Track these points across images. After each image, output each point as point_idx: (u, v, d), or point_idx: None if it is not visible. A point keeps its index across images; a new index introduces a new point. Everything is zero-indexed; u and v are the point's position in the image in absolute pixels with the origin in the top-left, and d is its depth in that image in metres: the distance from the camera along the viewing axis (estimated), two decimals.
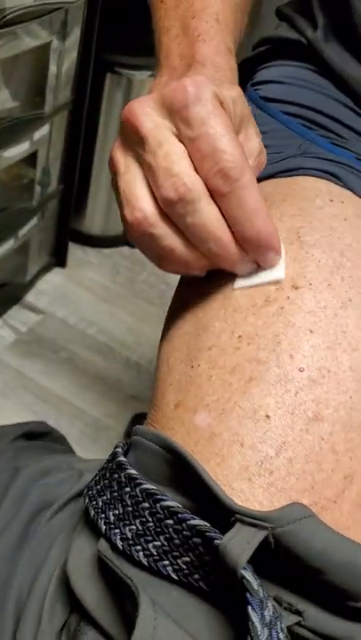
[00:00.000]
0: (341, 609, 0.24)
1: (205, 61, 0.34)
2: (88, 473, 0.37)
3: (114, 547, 0.27)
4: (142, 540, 0.26)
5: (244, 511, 0.24)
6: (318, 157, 0.38)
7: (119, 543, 0.27)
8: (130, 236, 0.32)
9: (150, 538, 0.26)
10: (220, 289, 0.33)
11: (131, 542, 0.27)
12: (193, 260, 0.31)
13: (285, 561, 0.24)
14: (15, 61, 0.96)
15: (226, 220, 0.30)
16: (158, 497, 0.26)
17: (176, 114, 0.30)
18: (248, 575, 0.23)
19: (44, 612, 0.29)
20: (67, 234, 1.37)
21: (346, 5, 0.43)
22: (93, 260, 1.48)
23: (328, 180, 0.36)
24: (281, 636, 0.22)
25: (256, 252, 0.31)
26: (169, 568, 0.26)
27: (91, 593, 0.27)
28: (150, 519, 0.26)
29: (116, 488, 0.28)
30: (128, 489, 0.28)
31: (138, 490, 0.27)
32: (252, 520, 0.24)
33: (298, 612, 0.24)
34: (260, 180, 0.38)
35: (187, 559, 0.25)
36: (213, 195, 0.30)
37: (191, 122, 0.30)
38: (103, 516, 0.28)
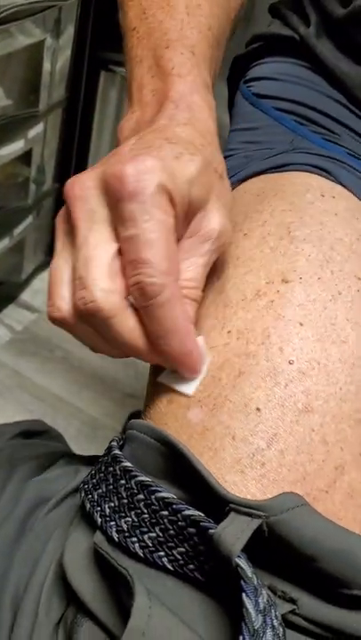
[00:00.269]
0: (334, 597, 0.25)
1: (179, 101, 0.32)
2: (84, 469, 0.38)
3: (109, 539, 0.27)
4: (138, 531, 0.27)
5: (238, 500, 0.25)
6: (310, 153, 0.38)
7: (115, 535, 0.27)
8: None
9: (146, 529, 0.26)
10: (212, 285, 0.33)
11: (126, 534, 0.27)
12: (116, 355, 0.31)
13: (279, 549, 0.25)
14: (9, 59, 0.96)
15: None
16: (153, 489, 0.26)
17: (112, 205, 0.28)
18: (242, 563, 0.23)
19: (40, 605, 0.29)
20: None
21: (339, 2, 0.43)
22: None
23: (319, 175, 0.36)
24: (275, 622, 0.23)
25: (172, 365, 0.30)
26: (164, 559, 0.26)
27: (87, 585, 0.27)
28: (145, 511, 0.27)
29: (111, 481, 0.29)
30: (123, 481, 0.28)
31: (133, 482, 0.27)
32: (246, 509, 0.24)
33: (292, 600, 0.25)
34: (251, 175, 0.38)
35: (182, 550, 0.26)
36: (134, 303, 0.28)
37: (123, 220, 0.27)
38: (99, 509, 0.28)
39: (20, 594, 0.31)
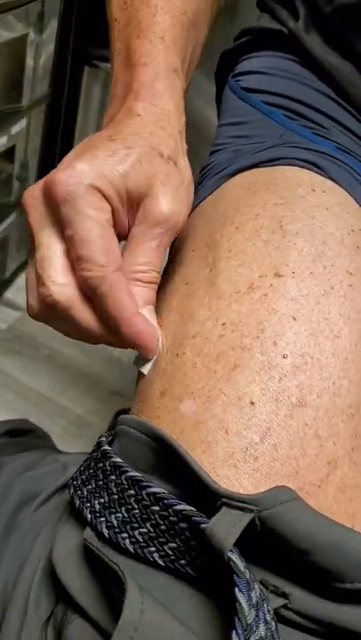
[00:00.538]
0: (327, 591, 0.25)
1: (139, 91, 0.34)
2: (72, 465, 0.37)
3: (100, 535, 0.27)
4: (128, 527, 0.26)
5: (230, 494, 0.24)
6: (300, 147, 0.38)
7: (105, 531, 0.27)
8: None
9: (136, 525, 0.26)
10: (205, 277, 0.33)
11: (117, 530, 0.27)
12: (88, 340, 0.33)
13: (271, 543, 0.24)
14: None
15: None
16: (144, 484, 0.26)
17: (52, 209, 0.31)
18: (235, 557, 0.23)
19: (29, 602, 0.29)
20: None
21: None
22: None
23: (310, 169, 0.36)
24: (268, 617, 0.23)
25: (133, 347, 0.32)
26: (155, 554, 0.26)
27: (77, 581, 0.27)
28: (136, 506, 0.26)
29: (101, 477, 0.28)
30: (113, 477, 0.27)
31: (123, 478, 0.27)
32: (238, 503, 0.24)
33: (284, 595, 0.25)
34: (242, 170, 0.38)
35: (173, 545, 0.25)
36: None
37: (62, 222, 0.30)
38: (89, 505, 0.28)
39: (8, 591, 0.30)
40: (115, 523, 0.27)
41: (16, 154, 1.11)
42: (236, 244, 0.33)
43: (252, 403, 0.28)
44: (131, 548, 0.26)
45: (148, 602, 0.23)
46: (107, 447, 0.29)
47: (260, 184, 0.36)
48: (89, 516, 0.28)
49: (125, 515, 0.27)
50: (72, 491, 0.30)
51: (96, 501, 0.28)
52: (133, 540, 0.26)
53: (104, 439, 0.30)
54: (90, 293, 0.31)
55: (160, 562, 0.26)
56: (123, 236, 0.33)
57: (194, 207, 0.39)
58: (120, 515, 0.27)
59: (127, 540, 0.26)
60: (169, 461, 0.27)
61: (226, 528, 0.23)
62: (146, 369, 0.33)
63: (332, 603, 0.25)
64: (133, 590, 0.23)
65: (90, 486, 0.29)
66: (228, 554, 0.23)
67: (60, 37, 1.07)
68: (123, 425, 0.30)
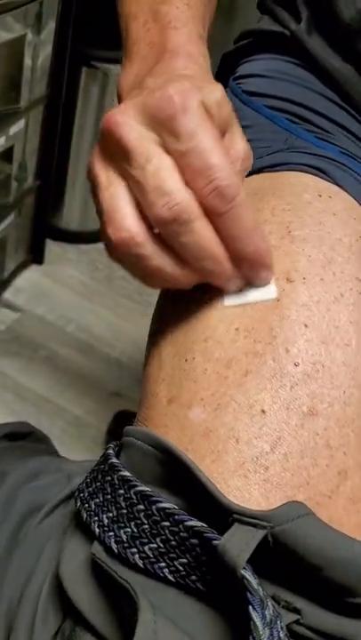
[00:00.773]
0: (339, 606, 0.24)
1: (178, 50, 0.33)
2: (77, 476, 0.37)
3: (108, 550, 0.27)
4: (137, 542, 0.26)
5: (243, 511, 0.24)
6: (305, 152, 0.38)
7: (114, 546, 0.26)
8: (112, 254, 0.30)
9: (146, 540, 0.26)
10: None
11: (126, 545, 0.26)
12: (182, 278, 0.30)
13: (283, 559, 0.24)
14: None
15: (220, 237, 0.29)
16: (154, 499, 0.26)
17: (162, 126, 0.28)
18: (248, 575, 0.22)
19: (36, 618, 0.28)
20: (44, 230, 1.35)
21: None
22: (71, 256, 1.46)
23: (315, 174, 0.36)
24: (281, 634, 0.22)
25: (251, 270, 0.30)
26: (165, 570, 0.25)
27: (85, 596, 0.27)
28: (146, 521, 0.26)
29: (109, 490, 0.28)
30: (122, 491, 0.27)
31: (132, 492, 0.27)
32: (251, 519, 0.24)
33: (296, 611, 0.24)
34: (246, 175, 0.38)
35: (183, 560, 0.25)
36: (208, 212, 0.29)
37: (180, 135, 0.28)
38: (97, 519, 0.28)
39: (13, 608, 0.30)
40: (124, 538, 0.26)
41: (14, 154, 1.10)
42: None
43: (263, 411, 0.28)
44: (140, 563, 0.26)
45: (160, 621, 0.23)
46: (114, 460, 0.29)
47: (267, 189, 0.35)
48: (97, 530, 0.27)
49: (135, 530, 0.26)
50: (79, 503, 0.30)
51: (104, 515, 0.27)
52: (143, 555, 0.26)
53: (111, 451, 0.30)
54: (223, 207, 0.28)
55: (170, 577, 0.25)
56: None
57: None
58: (129, 530, 0.26)
59: (137, 556, 0.26)
60: (177, 474, 0.27)
61: (238, 545, 0.23)
62: (274, 292, 0.31)
63: (345, 618, 0.25)
64: (146, 609, 0.23)
65: (97, 499, 0.28)
66: (242, 571, 0.22)
67: (57, 38, 1.07)
68: (129, 436, 0.29)
